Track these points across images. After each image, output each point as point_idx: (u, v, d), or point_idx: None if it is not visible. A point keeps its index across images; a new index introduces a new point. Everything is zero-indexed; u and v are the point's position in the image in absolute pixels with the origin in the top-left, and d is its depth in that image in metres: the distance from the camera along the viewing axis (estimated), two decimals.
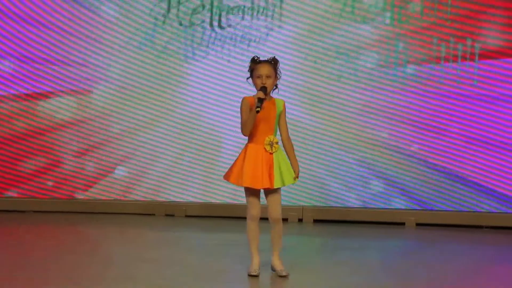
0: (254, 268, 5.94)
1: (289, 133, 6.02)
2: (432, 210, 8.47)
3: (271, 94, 5.95)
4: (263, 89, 5.81)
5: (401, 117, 8.46)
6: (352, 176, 8.54)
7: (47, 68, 8.79)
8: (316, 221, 8.53)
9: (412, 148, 8.46)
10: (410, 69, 8.44)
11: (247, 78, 5.99)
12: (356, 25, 8.44)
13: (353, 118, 8.51)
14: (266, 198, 5.93)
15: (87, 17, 8.75)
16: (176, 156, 8.74)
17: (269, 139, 5.87)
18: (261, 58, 5.94)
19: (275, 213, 5.93)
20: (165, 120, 8.74)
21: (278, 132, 5.98)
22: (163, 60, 8.71)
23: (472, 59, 8.32)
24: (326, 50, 8.49)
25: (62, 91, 8.81)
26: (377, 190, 8.53)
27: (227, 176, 5.96)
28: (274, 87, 5.94)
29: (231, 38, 8.59)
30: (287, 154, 5.97)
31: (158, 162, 8.76)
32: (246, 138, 5.95)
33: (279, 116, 5.94)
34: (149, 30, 8.69)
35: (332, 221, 8.53)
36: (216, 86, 8.65)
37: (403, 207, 8.51)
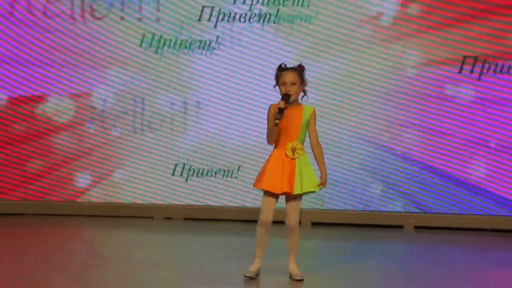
0: (250, 270, 5.94)
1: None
2: (430, 213, 8.47)
3: (301, 101, 5.95)
4: (286, 96, 5.81)
5: (401, 120, 8.46)
6: (351, 179, 8.53)
7: (45, 71, 8.79)
8: (314, 224, 8.52)
9: (411, 151, 8.46)
10: (409, 72, 8.44)
11: (274, 86, 5.99)
12: (357, 27, 8.46)
13: (352, 121, 8.50)
14: (286, 204, 5.94)
15: (84, 19, 8.74)
16: (175, 159, 8.72)
17: (291, 145, 5.87)
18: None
19: (292, 220, 5.92)
20: (165, 122, 8.73)
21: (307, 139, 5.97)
22: (162, 61, 8.70)
23: (471, 63, 8.33)
24: (325, 49, 8.51)
25: (60, 94, 8.80)
26: (375, 192, 8.52)
27: (255, 183, 5.95)
28: (303, 93, 5.94)
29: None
30: (316, 159, 5.96)
31: (157, 165, 8.75)
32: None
33: (307, 123, 5.92)
34: (149, 28, 8.70)
35: (330, 224, 8.53)
36: (212, 88, 8.63)
37: (401, 210, 8.51)
